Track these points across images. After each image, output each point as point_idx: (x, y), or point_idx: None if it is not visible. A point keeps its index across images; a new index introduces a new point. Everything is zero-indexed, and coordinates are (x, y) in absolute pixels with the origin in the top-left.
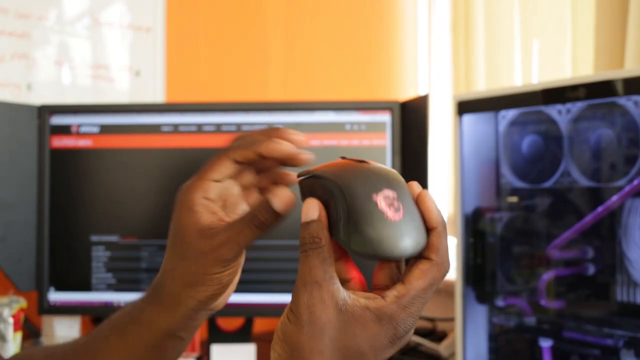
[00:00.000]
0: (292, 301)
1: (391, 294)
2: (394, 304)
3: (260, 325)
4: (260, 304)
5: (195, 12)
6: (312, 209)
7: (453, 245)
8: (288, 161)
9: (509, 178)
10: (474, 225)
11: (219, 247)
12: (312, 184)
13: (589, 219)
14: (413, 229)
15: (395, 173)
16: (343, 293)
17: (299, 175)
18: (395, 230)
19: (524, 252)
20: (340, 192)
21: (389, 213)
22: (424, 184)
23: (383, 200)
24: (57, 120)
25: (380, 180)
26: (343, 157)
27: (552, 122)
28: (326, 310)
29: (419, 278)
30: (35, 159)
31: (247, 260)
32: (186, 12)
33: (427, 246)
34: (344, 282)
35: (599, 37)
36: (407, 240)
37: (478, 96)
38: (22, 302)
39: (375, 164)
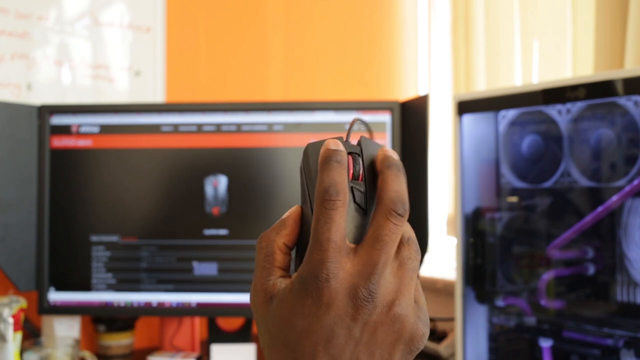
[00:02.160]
0: None
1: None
2: (306, 263)
3: None
4: None
5: (195, 12)
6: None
7: (453, 245)
8: None
9: (509, 178)
10: (474, 225)
11: None
12: None
13: (589, 219)
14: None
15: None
16: (279, 286)
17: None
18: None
19: (524, 252)
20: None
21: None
22: (424, 184)
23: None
24: (57, 120)
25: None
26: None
27: (552, 122)
28: (261, 306)
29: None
30: (35, 159)
31: (246, 260)
32: (186, 12)
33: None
34: None
35: (599, 37)
36: None
37: (478, 96)
38: (22, 302)
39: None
